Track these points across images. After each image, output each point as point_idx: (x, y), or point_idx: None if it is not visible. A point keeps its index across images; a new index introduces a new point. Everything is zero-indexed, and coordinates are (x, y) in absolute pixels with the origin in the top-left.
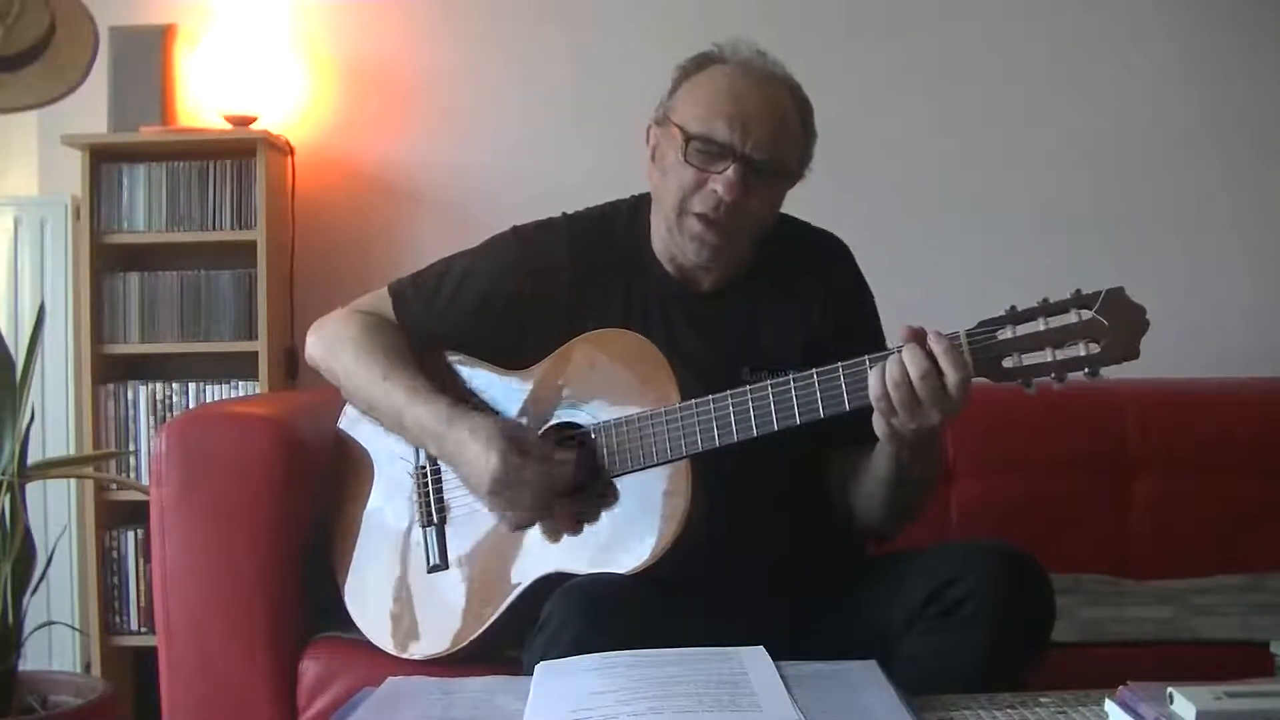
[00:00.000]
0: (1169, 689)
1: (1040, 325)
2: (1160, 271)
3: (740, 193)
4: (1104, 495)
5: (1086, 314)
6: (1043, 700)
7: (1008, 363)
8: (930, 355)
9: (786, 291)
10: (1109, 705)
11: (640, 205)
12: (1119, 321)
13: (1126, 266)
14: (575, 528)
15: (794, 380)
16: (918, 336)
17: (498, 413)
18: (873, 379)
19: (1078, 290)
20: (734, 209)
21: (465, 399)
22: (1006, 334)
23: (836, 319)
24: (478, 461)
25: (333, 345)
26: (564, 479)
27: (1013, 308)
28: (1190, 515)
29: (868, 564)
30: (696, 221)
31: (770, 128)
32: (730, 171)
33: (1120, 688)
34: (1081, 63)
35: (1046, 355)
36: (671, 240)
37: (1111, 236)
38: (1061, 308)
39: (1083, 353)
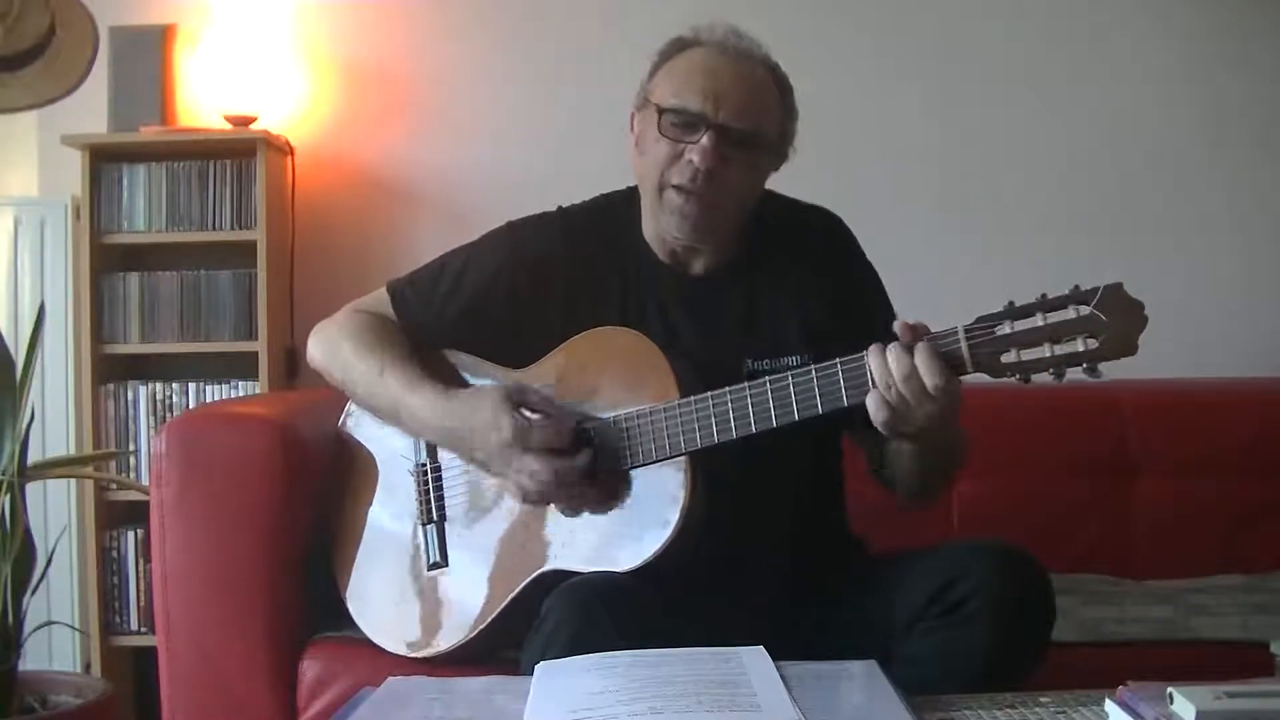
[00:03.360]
0: (1169, 689)
1: (1039, 321)
2: (1160, 271)
3: (716, 160)
4: (1104, 495)
5: (1085, 309)
6: (1043, 700)
7: (1006, 358)
8: (911, 355)
9: (783, 274)
10: (1109, 705)
11: (633, 196)
12: (1117, 317)
13: (1126, 266)
14: (590, 500)
15: (792, 377)
16: (912, 335)
17: None
18: (871, 400)
19: (1076, 286)
20: (711, 178)
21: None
22: (1005, 329)
23: (835, 299)
24: (485, 433)
25: (332, 344)
26: (568, 435)
27: (1011, 303)
28: (1190, 515)
29: (868, 564)
30: (676, 194)
31: (744, 97)
32: (705, 140)
33: (1120, 688)
34: (1082, 62)
35: (1045, 351)
36: (656, 221)
37: (1111, 236)
38: (1060, 303)
39: (1081, 348)
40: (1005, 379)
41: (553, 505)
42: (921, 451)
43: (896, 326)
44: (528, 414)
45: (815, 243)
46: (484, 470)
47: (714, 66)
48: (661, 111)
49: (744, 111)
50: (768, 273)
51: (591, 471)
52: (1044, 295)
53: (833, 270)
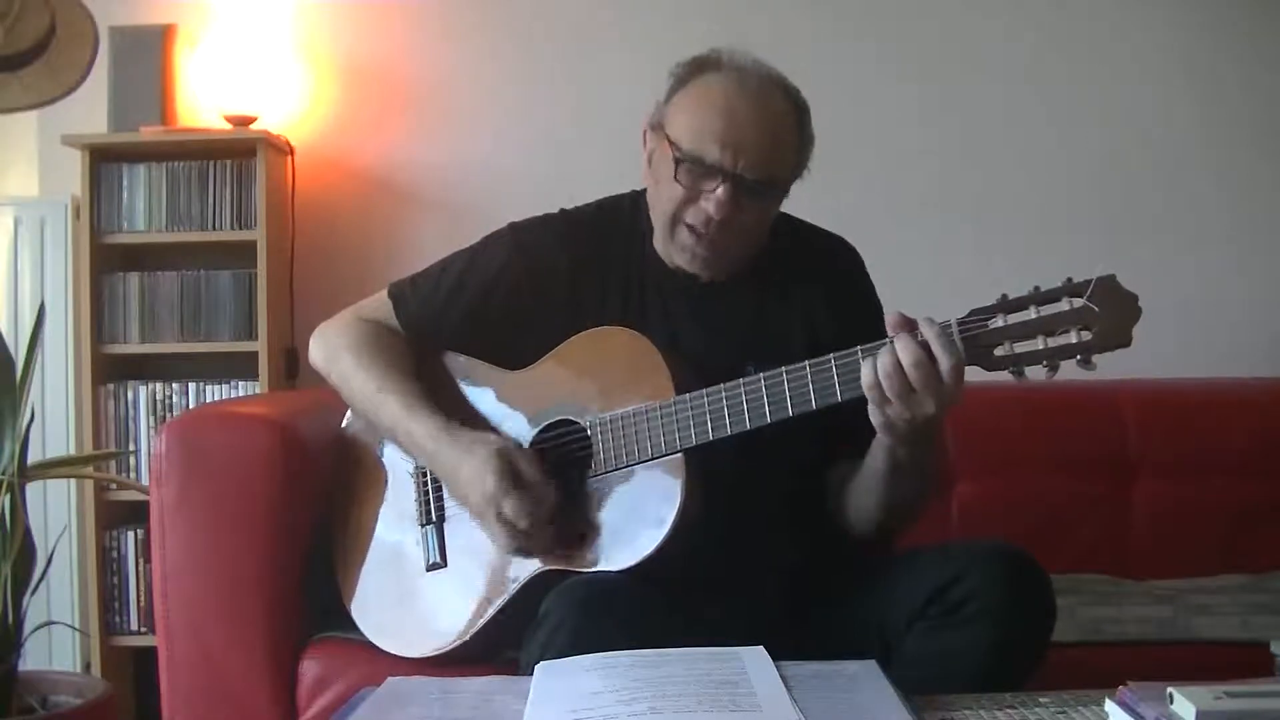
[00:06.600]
0: (1169, 689)
1: (1032, 313)
2: (1160, 271)
3: (731, 211)
4: (1104, 495)
5: (1078, 302)
6: (1043, 700)
7: (1000, 351)
8: (922, 343)
9: (791, 293)
10: (1109, 705)
11: (640, 200)
12: (1111, 309)
13: (1126, 265)
14: (560, 552)
15: (786, 372)
16: (908, 325)
17: (491, 427)
18: (865, 369)
19: (1069, 278)
20: (724, 225)
21: (461, 408)
22: (998, 322)
23: (840, 325)
24: (472, 483)
25: (332, 352)
26: (550, 509)
27: (1004, 296)
28: (1190, 515)
29: (868, 564)
30: (688, 233)
31: (763, 146)
32: (720, 191)
33: (1120, 688)
34: (1082, 62)
35: (1039, 343)
36: (667, 246)
37: (1111, 236)
38: (1053, 296)
39: (1075, 340)
40: (999, 373)
41: None
42: (894, 472)
43: (889, 319)
44: (517, 471)
45: (828, 267)
46: (464, 508)
47: (734, 108)
48: (679, 159)
49: (762, 162)
50: (777, 289)
51: (556, 543)
52: (1037, 288)
53: (844, 296)
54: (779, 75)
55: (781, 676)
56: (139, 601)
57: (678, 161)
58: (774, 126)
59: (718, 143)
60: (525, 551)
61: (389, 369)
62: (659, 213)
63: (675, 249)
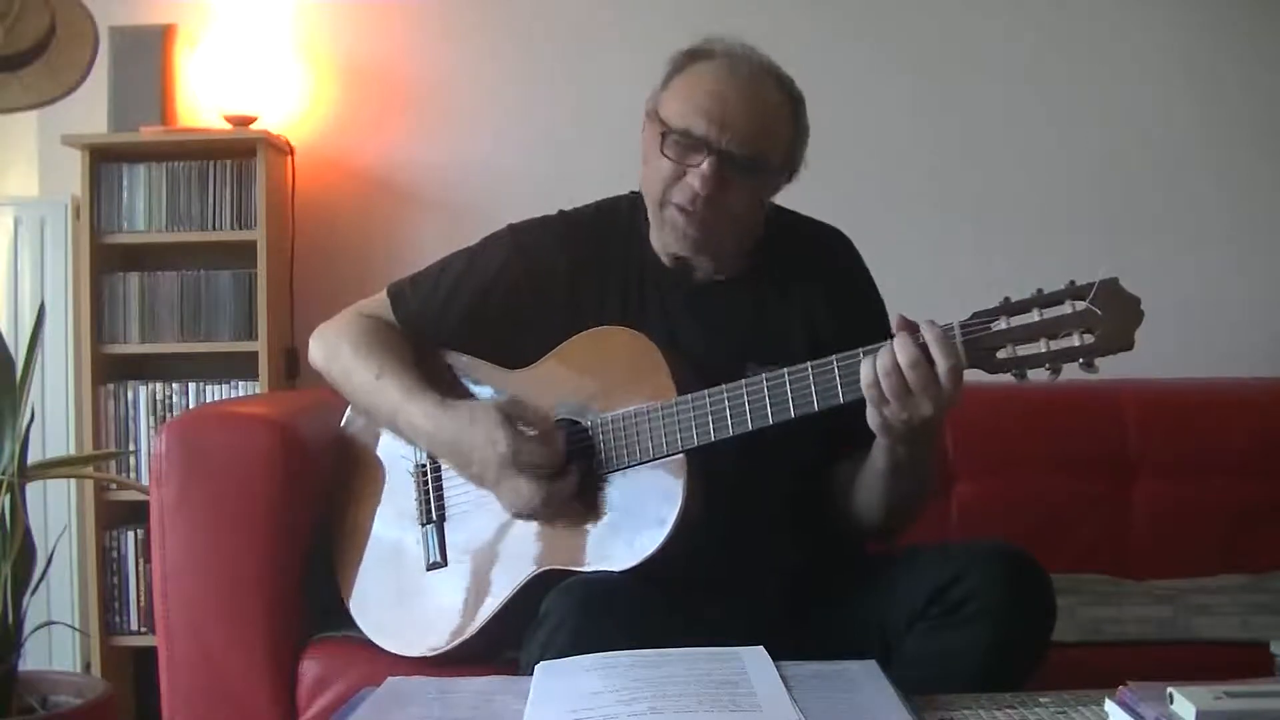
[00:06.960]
0: (1169, 689)
1: (1034, 316)
2: (1160, 271)
3: (716, 186)
4: (1104, 495)
5: (1081, 305)
6: (1042, 700)
7: (1002, 354)
8: (921, 344)
9: (790, 291)
10: (1109, 705)
11: (639, 200)
12: (1114, 312)
13: (1126, 265)
14: (576, 516)
15: (788, 373)
16: (909, 327)
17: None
18: (864, 367)
19: (1072, 281)
20: (710, 202)
21: (459, 395)
22: (1000, 325)
23: (840, 316)
24: (482, 447)
25: (332, 349)
26: (559, 456)
27: (1006, 299)
28: (1190, 515)
29: (869, 564)
30: (676, 212)
31: (750, 123)
32: (705, 165)
33: (1120, 688)
34: (1082, 62)
35: (1041, 346)
36: (659, 232)
37: (1111, 236)
38: (1056, 299)
39: (1077, 343)
40: (1001, 376)
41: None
42: (894, 472)
43: (895, 322)
44: (524, 429)
45: (826, 261)
46: (476, 483)
47: (723, 88)
48: (666, 132)
49: (749, 139)
50: (775, 285)
51: (577, 491)
52: (1040, 290)
53: (842, 290)
54: (773, 64)
55: (781, 676)
56: (139, 601)
57: (664, 135)
58: (764, 111)
59: (704, 118)
60: (545, 509)
61: (387, 357)
62: (650, 197)
63: (666, 231)
